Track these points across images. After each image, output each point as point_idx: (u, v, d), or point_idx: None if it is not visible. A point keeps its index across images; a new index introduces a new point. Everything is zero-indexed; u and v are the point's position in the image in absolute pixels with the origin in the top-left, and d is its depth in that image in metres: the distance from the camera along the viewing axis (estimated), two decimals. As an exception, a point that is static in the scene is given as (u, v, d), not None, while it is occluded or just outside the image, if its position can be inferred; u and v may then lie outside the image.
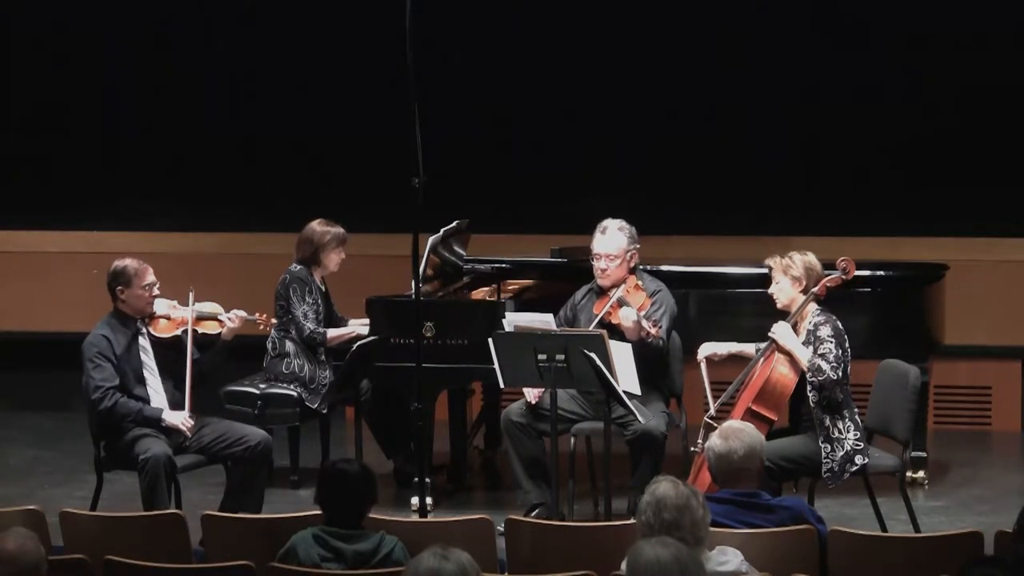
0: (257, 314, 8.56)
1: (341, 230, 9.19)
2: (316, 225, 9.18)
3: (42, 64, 12.22)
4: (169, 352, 8.19)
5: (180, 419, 8.04)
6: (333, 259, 9.17)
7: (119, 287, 8.12)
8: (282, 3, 11.93)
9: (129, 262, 8.15)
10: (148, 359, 8.13)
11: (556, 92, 11.46)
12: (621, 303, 8.25)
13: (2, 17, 12.14)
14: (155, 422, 8.03)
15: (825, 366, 7.71)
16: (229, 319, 8.29)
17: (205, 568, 6.29)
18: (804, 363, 7.74)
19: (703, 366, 8.15)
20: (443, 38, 10.61)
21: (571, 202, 10.99)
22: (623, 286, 8.40)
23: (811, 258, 7.95)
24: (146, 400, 8.09)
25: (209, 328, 8.30)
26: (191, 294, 8.22)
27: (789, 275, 7.91)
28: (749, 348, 8.20)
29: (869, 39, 11.21)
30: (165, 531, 6.68)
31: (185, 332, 8.16)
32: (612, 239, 8.44)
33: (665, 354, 8.42)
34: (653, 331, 8.13)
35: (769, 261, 8.02)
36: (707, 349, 8.24)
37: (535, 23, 11.48)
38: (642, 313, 8.23)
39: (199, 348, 8.24)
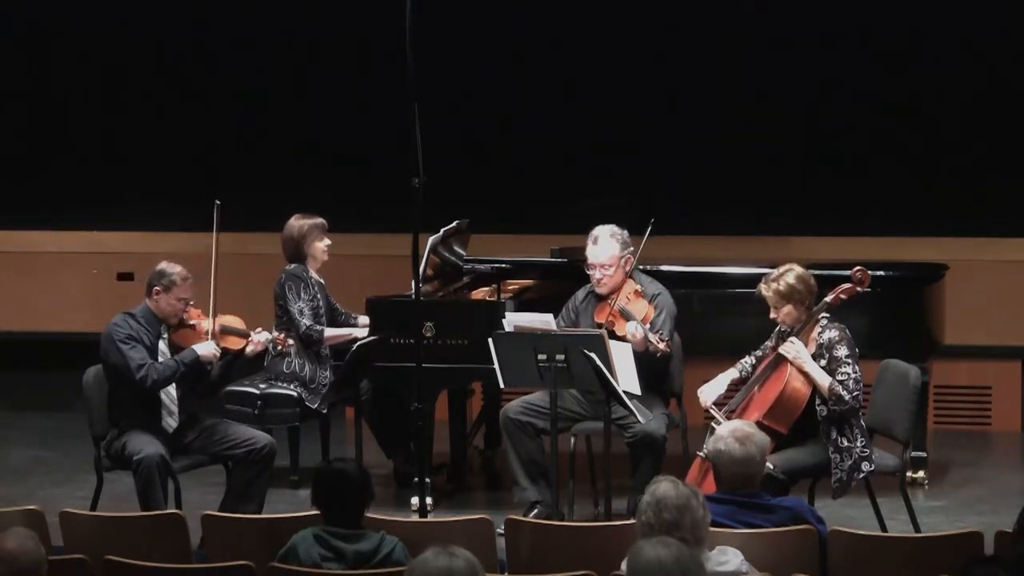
0: (276, 334, 8.59)
1: (319, 219, 9.18)
2: (293, 221, 9.19)
3: (42, 63, 12.22)
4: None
5: (211, 349, 8.09)
6: (318, 248, 9.16)
7: (157, 288, 8.09)
8: (282, 2, 11.93)
9: (178, 270, 8.11)
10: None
11: (556, 92, 11.47)
12: (625, 315, 8.22)
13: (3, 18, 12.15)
14: (194, 362, 8.06)
15: (846, 395, 7.64)
16: (255, 339, 8.33)
17: (205, 568, 6.29)
18: (824, 388, 7.65)
19: (714, 410, 7.91)
20: (443, 38, 10.60)
21: (571, 202, 11.00)
22: (622, 293, 8.37)
23: (799, 269, 7.82)
24: (157, 401, 8.09)
25: (232, 344, 8.30)
26: (216, 205, 8.30)
27: (793, 301, 7.79)
28: (734, 372, 8.13)
29: (869, 39, 11.21)
30: (165, 531, 6.68)
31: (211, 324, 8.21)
32: (604, 248, 8.42)
33: (670, 358, 8.40)
34: (661, 347, 8.11)
35: (763, 291, 7.83)
36: (710, 395, 7.99)
37: (535, 23, 11.48)
38: (647, 325, 8.20)
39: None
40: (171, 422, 8.11)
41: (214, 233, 8.33)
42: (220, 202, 8.41)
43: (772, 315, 7.88)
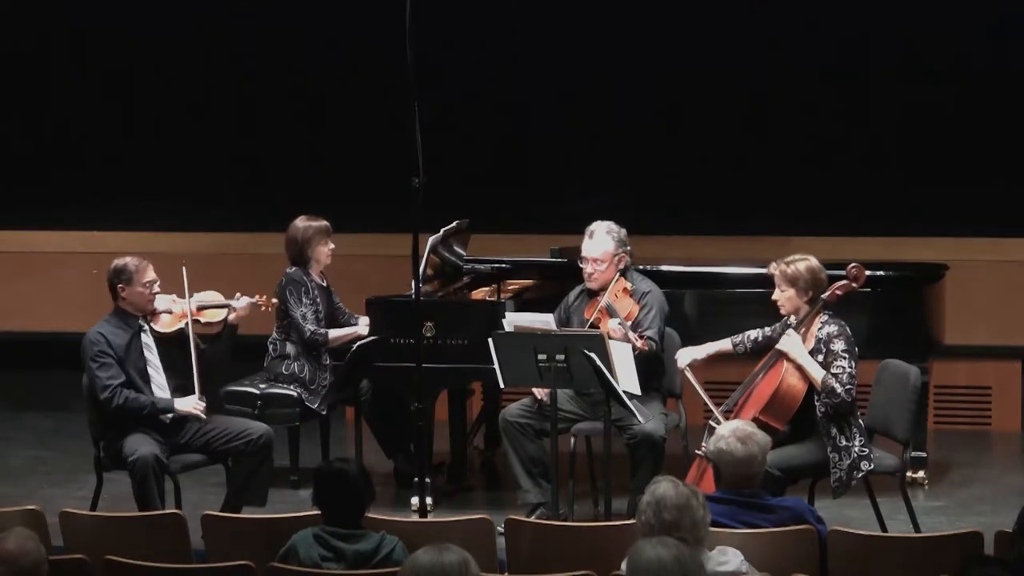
0: (258, 296, 8.62)
1: (324, 222, 9.17)
2: (298, 222, 9.17)
3: (42, 64, 12.22)
4: (173, 348, 8.20)
5: (192, 404, 8.07)
6: (322, 252, 9.15)
7: (120, 284, 8.12)
8: (282, 2, 11.93)
9: (129, 260, 8.15)
10: (152, 356, 8.14)
11: (556, 92, 11.47)
12: (610, 311, 8.23)
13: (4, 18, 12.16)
14: (168, 411, 8.05)
15: (839, 389, 7.65)
16: (236, 306, 8.36)
17: (205, 568, 6.29)
18: (817, 381, 7.67)
19: (688, 373, 8.09)
20: (444, 38, 10.61)
21: (571, 202, 11.00)
22: (610, 290, 8.39)
23: (814, 262, 7.86)
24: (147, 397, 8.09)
25: (212, 317, 8.34)
26: (183, 270, 8.23)
27: (798, 286, 7.84)
28: (725, 344, 8.19)
29: (868, 39, 11.21)
30: (165, 531, 6.68)
31: (187, 326, 8.17)
32: (599, 243, 8.44)
33: (660, 353, 8.41)
34: (639, 344, 8.11)
35: (772, 269, 7.93)
36: (686, 356, 8.15)
37: (536, 22, 11.48)
38: (630, 322, 8.21)
39: (203, 341, 8.26)
40: (165, 397, 8.12)
41: (186, 289, 8.29)
42: (185, 264, 8.38)
43: (774, 296, 7.90)
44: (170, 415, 8.06)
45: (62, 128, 12.26)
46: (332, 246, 9.18)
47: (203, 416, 8.10)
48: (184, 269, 8.26)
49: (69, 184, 12.09)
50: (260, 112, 12.03)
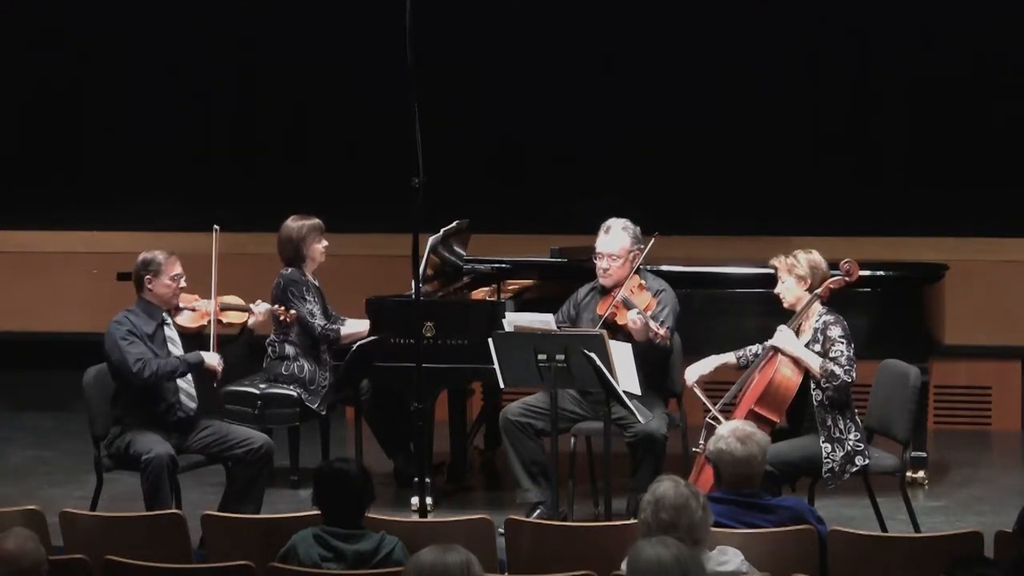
0: (277, 305, 8.68)
1: (316, 220, 9.17)
2: (291, 222, 9.17)
3: (42, 64, 12.22)
4: (192, 345, 8.24)
5: (216, 361, 8.15)
6: (317, 250, 9.14)
7: (147, 276, 8.14)
8: (281, 2, 11.93)
9: (158, 252, 8.19)
10: (176, 349, 8.17)
11: (556, 92, 11.47)
12: (627, 304, 8.25)
13: (4, 19, 12.16)
14: (198, 366, 8.10)
15: (839, 371, 7.70)
16: (256, 311, 8.45)
17: (205, 568, 6.29)
18: (816, 370, 7.71)
19: (697, 390, 8.08)
20: (443, 38, 10.60)
21: (571, 202, 11.00)
22: (626, 286, 8.39)
23: (816, 256, 7.93)
24: (175, 388, 8.11)
25: (233, 318, 8.40)
26: (215, 230, 8.34)
27: (794, 274, 7.89)
28: (729, 358, 8.19)
29: (870, 40, 11.21)
30: (165, 531, 6.69)
31: (209, 323, 8.24)
32: (615, 239, 8.44)
33: (670, 353, 8.41)
34: (661, 332, 8.13)
35: (774, 261, 7.98)
36: (693, 374, 8.15)
37: (536, 22, 11.48)
38: (648, 313, 8.23)
39: (220, 344, 8.31)
40: (191, 405, 8.15)
41: (214, 247, 8.36)
42: (218, 226, 8.49)
43: (776, 289, 7.93)
44: (201, 367, 8.12)
45: (62, 128, 12.25)
46: (326, 243, 9.18)
47: (219, 373, 8.17)
48: (216, 229, 8.30)
49: (69, 184, 12.09)
50: (260, 112, 12.03)
